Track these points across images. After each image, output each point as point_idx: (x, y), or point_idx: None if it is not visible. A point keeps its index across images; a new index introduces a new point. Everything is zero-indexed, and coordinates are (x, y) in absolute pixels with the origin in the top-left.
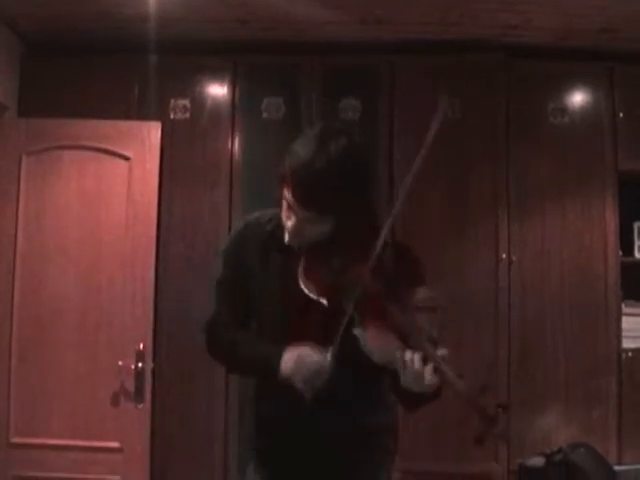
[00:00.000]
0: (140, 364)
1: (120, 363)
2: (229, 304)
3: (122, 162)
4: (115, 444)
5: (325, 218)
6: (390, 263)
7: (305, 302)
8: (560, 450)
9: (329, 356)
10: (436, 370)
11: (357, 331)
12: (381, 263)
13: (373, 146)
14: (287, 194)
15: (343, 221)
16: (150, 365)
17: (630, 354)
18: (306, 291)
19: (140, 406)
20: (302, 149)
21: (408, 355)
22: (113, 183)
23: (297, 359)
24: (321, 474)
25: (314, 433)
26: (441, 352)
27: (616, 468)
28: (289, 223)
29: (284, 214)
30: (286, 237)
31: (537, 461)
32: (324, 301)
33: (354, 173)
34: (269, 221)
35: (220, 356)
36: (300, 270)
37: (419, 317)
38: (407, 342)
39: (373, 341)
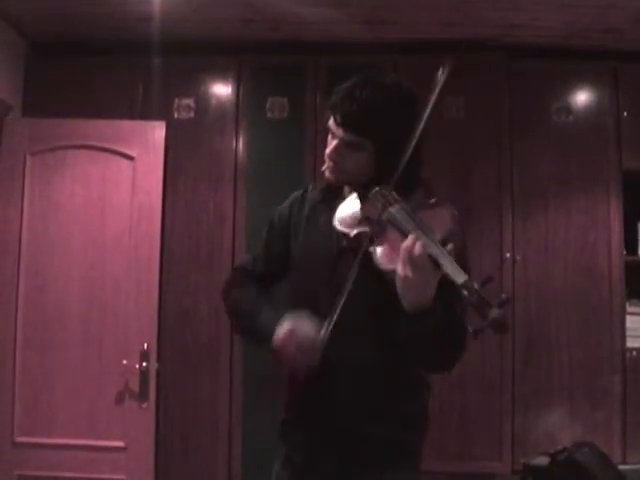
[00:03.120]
0: (145, 364)
1: (125, 362)
2: (264, 253)
3: (126, 162)
4: (119, 443)
5: (364, 143)
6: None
7: (336, 240)
8: (564, 449)
9: (324, 332)
10: (435, 263)
11: (372, 248)
12: (400, 193)
13: None
14: (331, 121)
15: (381, 150)
16: (155, 365)
17: (634, 353)
18: (338, 226)
19: (144, 405)
20: (352, 79)
21: (409, 240)
22: (117, 183)
23: (289, 331)
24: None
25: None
26: (448, 247)
27: (620, 467)
28: (329, 149)
29: (327, 147)
30: (326, 172)
31: (541, 460)
32: (354, 231)
33: (398, 103)
34: (317, 186)
35: (227, 306)
36: (336, 211)
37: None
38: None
39: (384, 253)
